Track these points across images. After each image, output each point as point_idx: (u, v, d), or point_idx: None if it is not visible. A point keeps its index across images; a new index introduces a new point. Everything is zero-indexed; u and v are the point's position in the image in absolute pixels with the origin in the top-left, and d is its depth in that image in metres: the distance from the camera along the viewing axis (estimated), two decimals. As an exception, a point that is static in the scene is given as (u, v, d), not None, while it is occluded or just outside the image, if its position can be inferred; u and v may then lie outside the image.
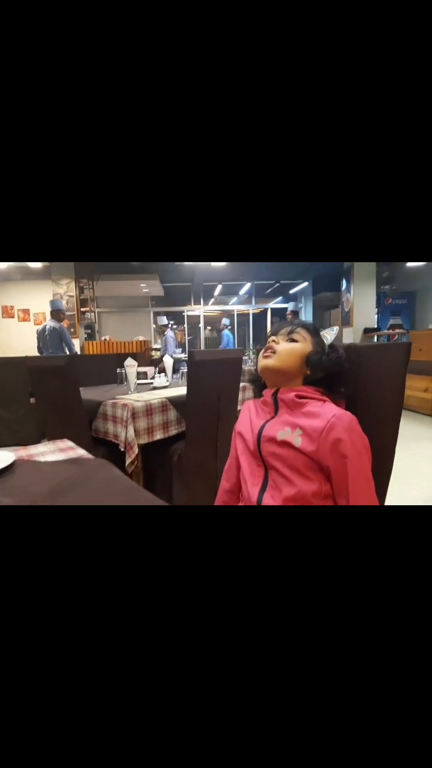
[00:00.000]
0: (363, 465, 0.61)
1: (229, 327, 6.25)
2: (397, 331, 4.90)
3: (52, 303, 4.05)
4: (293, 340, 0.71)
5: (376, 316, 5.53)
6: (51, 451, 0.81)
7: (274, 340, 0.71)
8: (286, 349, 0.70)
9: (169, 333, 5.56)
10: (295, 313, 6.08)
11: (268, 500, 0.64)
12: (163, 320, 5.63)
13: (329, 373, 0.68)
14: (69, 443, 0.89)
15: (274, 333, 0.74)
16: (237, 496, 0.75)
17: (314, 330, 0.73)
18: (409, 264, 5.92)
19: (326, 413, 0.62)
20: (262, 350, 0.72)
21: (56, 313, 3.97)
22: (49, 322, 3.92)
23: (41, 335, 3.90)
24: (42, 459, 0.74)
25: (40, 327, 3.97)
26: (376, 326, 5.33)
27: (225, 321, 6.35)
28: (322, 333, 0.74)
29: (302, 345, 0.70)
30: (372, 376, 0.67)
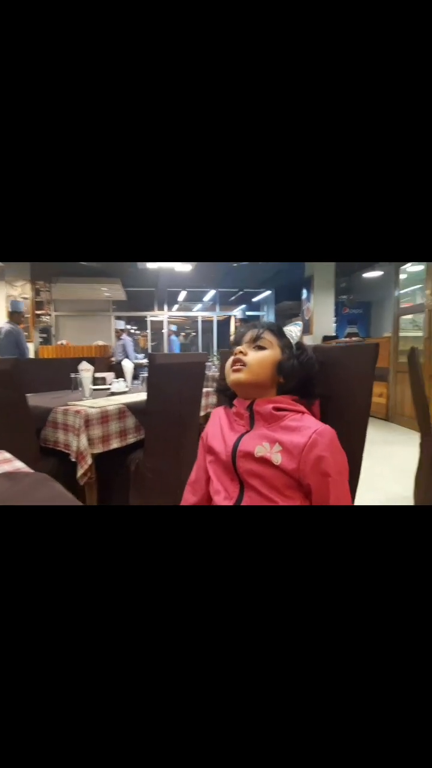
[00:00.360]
0: (344, 484, 0.58)
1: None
2: (353, 339, 5.20)
3: (12, 304, 3.89)
4: (260, 347, 0.65)
5: (334, 324, 5.75)
6: (-21, 465, 0.68)
7: (241, 351, 0.66)
8: (257, 361, 0.64)
9: (126, 337, 5.41)
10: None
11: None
12: (120, 324, 5.47)
13: (302, 378, 0.64)
14: (5, 455, 0.76)
15: (238, 341, 0.68)
16: None
17: (279, 331, 0.68)
18: (365, 275, 6.21)
19: (307, 428, 0.58)
20: (229, 361, 0.66)
21: (15, 315, 3.82)
22: (5, 325, 3.73)
23: None
24: (-35, 475, 0.62)
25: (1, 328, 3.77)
26: (334, 334, 5.55)
27: (119, 325, 6.22)
28: (286, 329, 0.69)
29: (271, 352, 0.65)
30: (340, 377, 0.63)
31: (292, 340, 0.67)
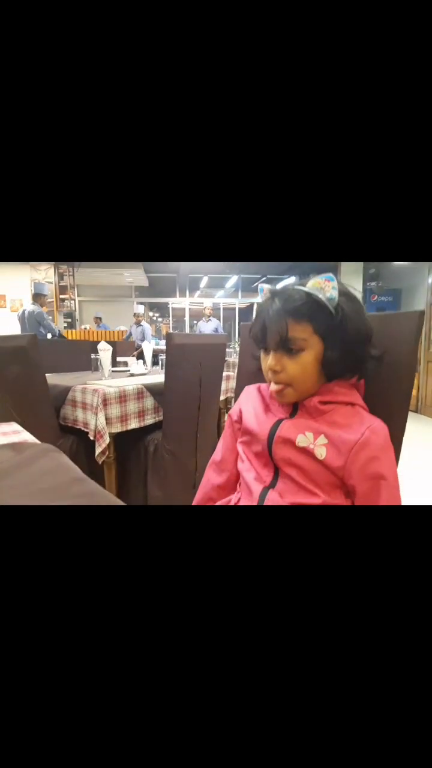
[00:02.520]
0: (397, 488, 0.49)
1: (141, 316, 5.26)
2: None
3: (36, 286, 3.96)
4: (297, 349, 0.51)
5: (362, 312, 5.51)
6: (-10, 436, 0.66)
7: (274, 368, 0.52)
8: (299, 373, 0.51)
9: (145, 324, 5.34)
10: (212, 310, 5.53)
11: (274, 498, 0.52)
12: (139, 309, 5.34)
13: (353, 352, 0.51)
14: (15, 427, 0.74)
15: (264, 344, 0.54)
16: (228, 494, 0.62)
17: (309, 310, 0.49)
18: (396, 263, 5.92)
19: (358, 424, 0.50)
20: (268, 372, 0.54)
21: (37, 296, 3.88)
22: (29, 306, 3.80)
23: (21, 319, 3.77)
24: (-26, 444, 0.60)
25: (19, 312, 3.85)
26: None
27: (138, 309, 5.36)
28: (313, 288, 0.50)
29: (310, 351, 0.51)
30: (382, 349, 0.55)
31: (329, 304, 0.49)
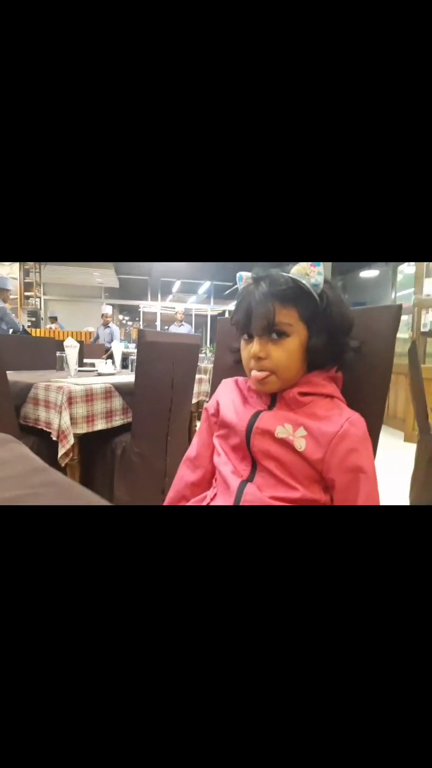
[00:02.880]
0: (376, 481, 0.48)
1: (110, 316, 5.10)
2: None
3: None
4: (282, 333, 0.49)
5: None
6: None
7: (258, 354, 0.50)
8: (284, 360, 0.50)
9: (113, 325, 5.21)
10: (184, 315, 5.46)
11: (252, 492, 0.50)
12: (107, 309, 5.19)
13: (336, 342, 0.51)
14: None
15: (248, 331, 0.52)
16: (202, 491, 0.59)
17: (294, 294, 0.48)
18: (362, 274, 6.19)
19: (337, 416, 0.49)
20: (250, 361, 0.52)
21: (1, 291, 3.65)
22: None
23: None
24: None
25: None
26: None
27: (106, 310, 5.14)
28: (295, 271, 0.49)
29: (296, 337, 0.50)
30: (361, 341, 0.55)
31: (313, 290, 0.49)
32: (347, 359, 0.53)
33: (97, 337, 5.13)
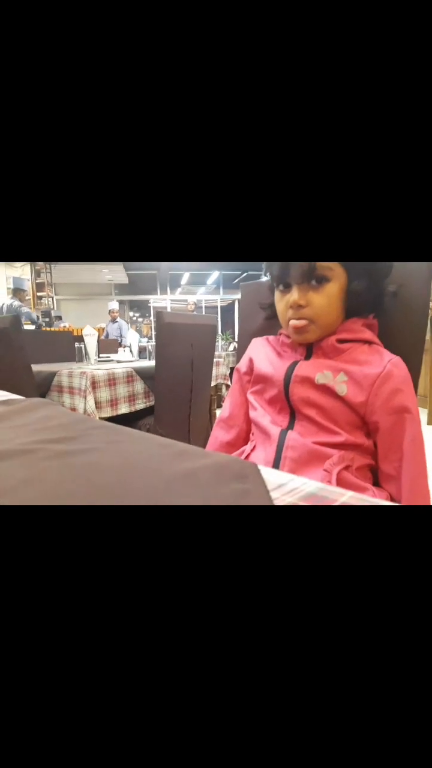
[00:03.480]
0: (420, 424, 0.47)
1: (116, 312, 5.18)
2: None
3: (15, 281, 3.89)
4: (320, 280, 0.49)
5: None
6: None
7: (299, 302, 0.49)
8: (324, 307, 0.49)
9: (121, 321, 5.25)
10: (196, 305, 5.51)
11: (295, 438, 0.49)
12: (114, 305, 5.23)
13: (373, 289, 0.51)
14: (4, 393, 0.69)
15: (286, 280, 0.51)
16: (237, 449, 0.58)
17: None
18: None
19: (379, 358, 0.48)
20: (287, 311, 0.51)
21: (17, 291, 3.80)
22: (8, 300, 3.73)
23: None
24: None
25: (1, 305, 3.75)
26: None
27: (113, 305, 5.27)
28: None
29: (336, 282, 0.49)
30: (398, 285, 0.53)
31: None
32: (386, 304, 0.52)
33: (107, 334, 5.18)
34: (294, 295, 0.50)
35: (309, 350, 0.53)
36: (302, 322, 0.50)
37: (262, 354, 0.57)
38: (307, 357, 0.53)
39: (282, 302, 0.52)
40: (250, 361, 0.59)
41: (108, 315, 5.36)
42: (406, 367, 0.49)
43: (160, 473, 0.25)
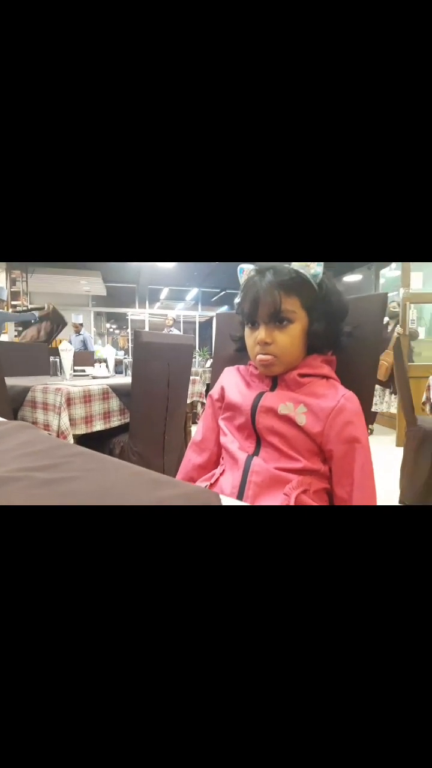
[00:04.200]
0: (369, 452, 0.53)
1: (80, 325, 5.18)
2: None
3: None
4: (284, 320, 0.54)
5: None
6: None
7: (265, 340, 0.54)
8: (287, 345, 0.54)
9: (85, 332, 5.23)
10: (174, 321, 5.57)
11: (259, 464, 0.54)
12: (78, 318, 5.21)
13: (332, 328, 0.57)
14: (-20, 413, 0.70)
15: (254, 318, 0.56)
16: (208, 472, 0.62)
17: (297, 287, 0.53)
18: (346, 278, 6.36)
19: (333, 393, 0.54)
20: (256, 346, 0.56)
21: None
22: None
23: None
24: None
25: None
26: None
27: (76, 318, 5.26)
28: (297, 263, 0.53)
29: (299, 324, 0.55)
30: (353, 326, 0.60)
31: (313, 280, 0.54)
32: (342, 343, 0.58)
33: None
34: (261, 333, 0.55)
35: (274, 382, 0.58)
36: (268, 358, 0.55)
37: (233, 383, 0.62)
38: (273, 388, 0.58)
39: (251, 338, 0.58)
40: (222, 389, 0.63)
41: (92, 328, 5.33)
42: (358, 401, 0.55)
43: (135, 501, 0.29)
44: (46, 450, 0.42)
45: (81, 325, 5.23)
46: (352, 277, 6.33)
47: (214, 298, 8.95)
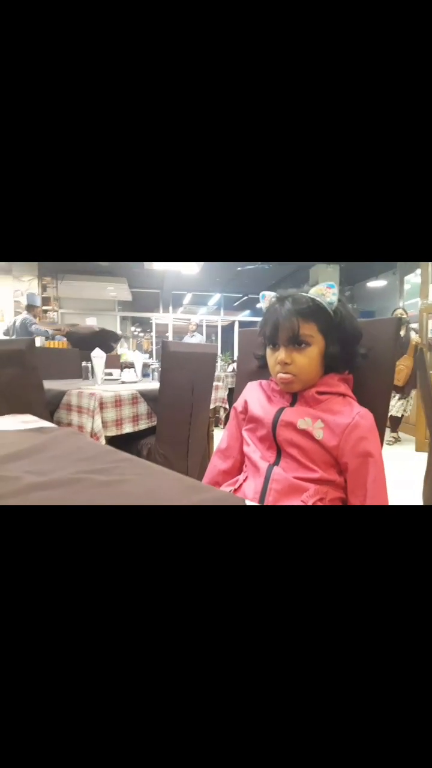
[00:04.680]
0: (382, 466, 0.58)
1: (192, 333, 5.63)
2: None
3: (29, 297, 4.22)
4: (303, 343, 0.60)
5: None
6: (11, 423, 0.71)
7: (285, 360, 0.60)
8: (305, 365, 0.60)
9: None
10: (197, 326, 5.73)
11: (279, 473, 0.60)
12: (92, 321, 5.36)
13: (348, 350, 0.62)
14: (32, 417, 0.79)
15: (275, 341, 0.62)
16: (232, 477, 0.69)
17: (315, 313, 0.59)
18: (370, 284, 6.28)
19: (349, 411, 0.59)
20: (276, 366, 0.62)
21: (30, 307, 4.14)
22: (20, 315, 4.02)
23: (12, 328, 3.90)
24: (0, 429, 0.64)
25: (15, 320, 4.02)
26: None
27: (90, 321, 5.33)
28: (314, 292, 0.59)
29: (316, 346, 0.60)
30: (368, 348, 0.65)
31: (329, 307, 0.60)
32: (357, 364, 0.64)
33: None
34: (281, 354, 0.61)
35: (294, 397, 0.64)
36: (288, 376, 0.61)
37: (255, 398, 0.68)
38: (292, 404, 0.64)
39: (272, 358, 0.64)
40: (245, 402, 0.70)
41: (117, 331, 5.53)
42: (372, 417, 0.60)
43: (176, 503, 0.36)
44: (96, 455, 0.49)
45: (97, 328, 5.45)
46: (377, 283, 6.24)
47: (236, 303, 9.03)
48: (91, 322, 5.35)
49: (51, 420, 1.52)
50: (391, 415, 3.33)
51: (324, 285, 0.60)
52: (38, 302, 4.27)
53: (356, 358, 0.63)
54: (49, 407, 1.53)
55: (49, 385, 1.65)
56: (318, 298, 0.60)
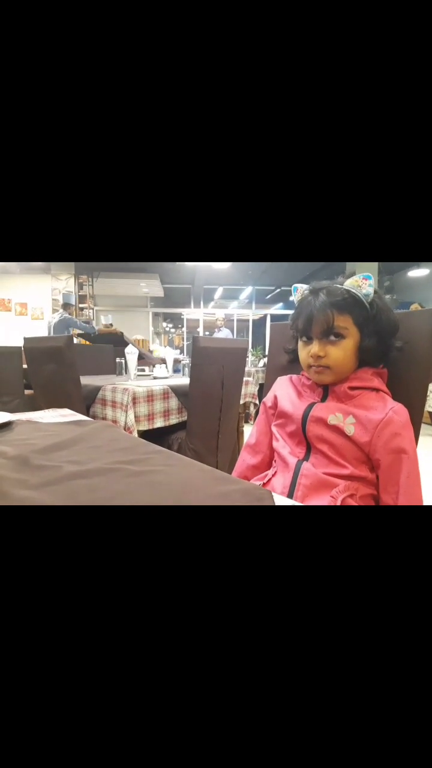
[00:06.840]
0: (417, 462, 0.56)
1: (110, 325, 5.47)
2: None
3: (65, 296, 4.46)
4: (337, 336, 0.59)
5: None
6: (51, 417, 0.75)
7: (318, 353, 0.59)
8: (339, 358, 0.59)
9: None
10: (225, 319, 5.60)
11: (308, 468, 0.59)
12: (108, 319, 5.48)
13: (383, 343, 0.60)
14: (69, 411, 0.83)
15: (308, 334, 0.61)
16: (261, 472, 0.69)
17: (349, 305, 0.57)
18: (410, 274, 5.97)
19: (383, 406, 0.58)
20: (308, 359, 0.61)
21: (66, 306, 4.34)
22: (57, 316, 4.26)
23: (50, 326, 4.16)
24: (42, 422, 0.69)
25: (53, 318, 4.26)
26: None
27: (106, 319, 5.20)
28: (352, 285, 0.58)
29: (350, 339, 0.59)
30: (404, 341, 0.62)
31: (364, 299, 0.58)
32: (392, 357, 0.61)
33: None
34: (315, 347, 0.60)
35: (325, 392, 0.63)
36: (320, 368, 0.60)
37: (285, 393, 0.68)
38: (323, 399, 0.63)
39: (304, 351, 0.63)
40: (275, 398, 0.70)
41: (150, 327, 5.65)
42: (406, 413, 0.58)
43: (204, 493, 0.37)
44: (130, 447, 0.51)
45: (111, 325, 5.58)
46: (418, 272, 5.92)
47: (269, 296, 8.91)
48: (107, 320, 5.54)
49: (87, 414, 1.60)
50: (428, 411, 3.17)
51: (360, 276, 0.58)
52: (72, 300, 4.51)
53: (392, 352, 0.61)
54: (86, 401, 1.61)
55: (84, 380, 1.73)
56: (353, 290, 0.58)
